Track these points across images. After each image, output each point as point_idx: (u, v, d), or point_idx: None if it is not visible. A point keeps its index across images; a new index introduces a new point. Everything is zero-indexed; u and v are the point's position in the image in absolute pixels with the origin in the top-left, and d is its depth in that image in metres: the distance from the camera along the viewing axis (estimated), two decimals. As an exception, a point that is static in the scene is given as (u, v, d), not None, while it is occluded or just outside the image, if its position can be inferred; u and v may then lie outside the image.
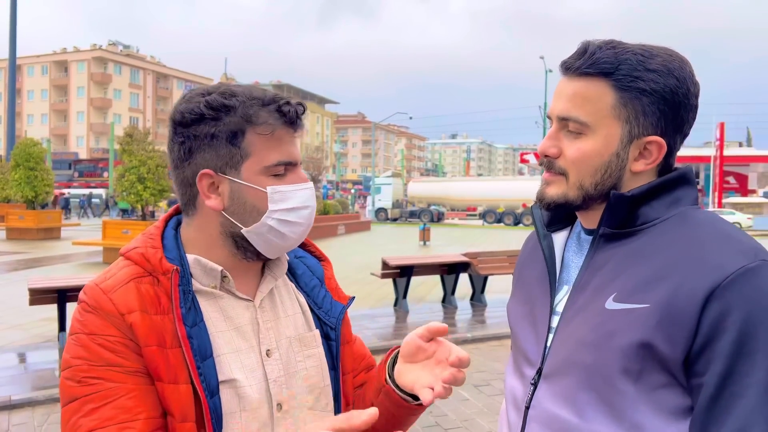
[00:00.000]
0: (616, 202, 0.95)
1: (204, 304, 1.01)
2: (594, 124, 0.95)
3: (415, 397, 1.09)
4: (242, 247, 1.03)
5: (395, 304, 8.78)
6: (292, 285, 1.16)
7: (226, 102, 0.98)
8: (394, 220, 40.08)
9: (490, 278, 9.27)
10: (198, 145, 0.99)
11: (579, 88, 0.95)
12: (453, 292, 9.03)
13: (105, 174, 51.97)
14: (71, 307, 6.27)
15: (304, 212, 1.03)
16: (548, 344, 1.01)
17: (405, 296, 8.68)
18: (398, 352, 1.12)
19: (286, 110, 1.00)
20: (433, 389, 1.00)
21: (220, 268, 1.02)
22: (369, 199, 44.49)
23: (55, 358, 6.09)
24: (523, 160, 47.95)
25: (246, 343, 1.03)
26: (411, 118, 57.57)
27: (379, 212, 40.51)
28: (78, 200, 40.95)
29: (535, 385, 1.01)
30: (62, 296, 6.29)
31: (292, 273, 1.17)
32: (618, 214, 0.95)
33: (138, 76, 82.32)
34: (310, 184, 1.06)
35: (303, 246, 1.24)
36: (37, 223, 19.92)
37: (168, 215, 1.10)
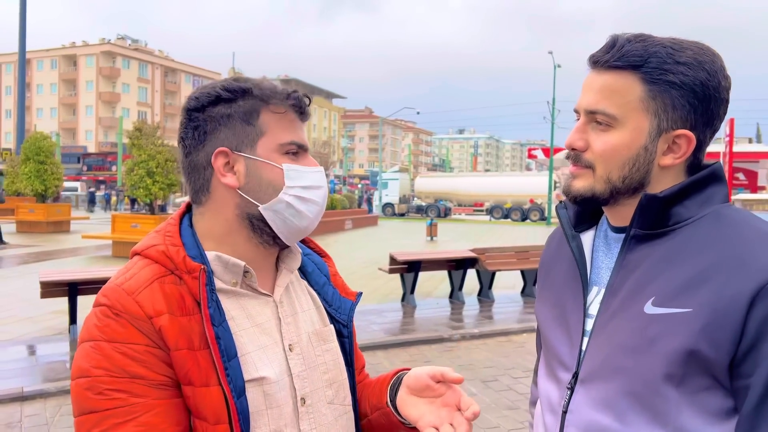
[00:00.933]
0: (648, 203, 0.94)
1: (225, 302, 0.99)
2: (622, 116, 0.94)
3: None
4: (258, 228, 1.02)
5: (402, 300, 8.80)
6: (304, 282, 1.16)
7: (242, 85, 1.01)
8: (401, 215, 40.05)
9: (497, 274, 9.27)
10: (213, 127, 1.00)
11: (607, 80, 0.95)
12: (460, 288, 9.04)
13: (113, 168, 52.14)
14: (82, 300, 6.33)
15: (318, 192, 1.05)
16: (583, 348, 1.00)
17: (412, 291, 8.70)
18: (400, 377, 1.13)
19: (295, 97, 1.04)
20: (437, 430, 1.01)
21: (242, 263, 1.01)
22: (376, 194, 44.50)
23: (66, 350, 6.15)
24: (530, 156, 47.64)
25: (269, 339, 1.02)
26: (418, 113, 57.50)
27: (386, 207, 40.51)
28: (103, 194, 41.52)
29: (571, 389, 1.00)
30: (73, 289, 6.35)
31: (303, 271, 1.18)
32: (650, 215, 0.94)
33: (146, 71, 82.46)
34: (321, 168, 1.08)
35: (305, 243, 1.25)
36: (46, 217, 20.07)
37: (181, 212, 1.08)
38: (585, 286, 1.03)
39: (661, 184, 0.98)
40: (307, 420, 1.04)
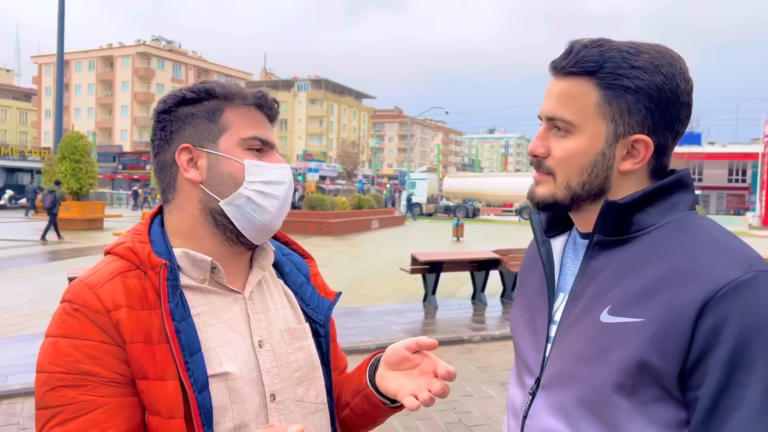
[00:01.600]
0: (609, 210, 0.93)
1: (192, 299, 1.01)
2: (579, 123, 0.94)
3: (392, 400, 1.11)
4: (222, 225, 1.04)
5: (424, 300, 8.78)
6: (281, 281, 1.17)
7: (206, 86, 1.05)
8: (429, 215, 39.94)
9: (521, 275, 9.16)
10: (178, 126, 1.04)
11: (565, 87, 0.95)
12: (483, 289, 8.98)
13: (147, 167, 53.30)
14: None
15: (280, 187, 1.06)
16: (547, 354, 1.00)
17: (434, 292, 8.67)
18: (379, 358, 1.14)
19: (261, 96, 1.07)
20: (416, 397, 1.02)
21: (209, 258, 1.03)
22: (403, 194, 44.48)
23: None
24: (561, 156, 46.97)
25: (236, 334, 1.03)
26: (447, 113, 57.33)
27: (414, 207, 40.47)
28: (143, 193, 42.98)
29: (533, 394, 1.01)
30: (99, 285, 6.50)
31: (280, 271, 1.19)
32: (611, 222, 0.93)
33: (180, 71, 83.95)
34: (287, 164, 1.09)
35: (287, 245, 1.26)
36: (81, 214, 20.63)
37: (153, 213, 1.11)
38: (551, 292, 1.03)
39: (623, 189, 0.96)
40: (277, 416, 1.04)
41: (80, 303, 0.94)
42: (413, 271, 8.61)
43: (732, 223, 28.49)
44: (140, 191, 41.84)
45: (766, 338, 0.79)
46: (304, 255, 1.27)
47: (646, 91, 0.91)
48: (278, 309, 1.12)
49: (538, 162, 0.99)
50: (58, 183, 19.48)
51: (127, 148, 70.20)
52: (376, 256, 14.90)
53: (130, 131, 79.14)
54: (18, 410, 4.66)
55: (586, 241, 1.01)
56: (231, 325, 1.04)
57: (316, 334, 1.16)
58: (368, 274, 11.70)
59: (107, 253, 1.05)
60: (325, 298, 1.20)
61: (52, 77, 76.63)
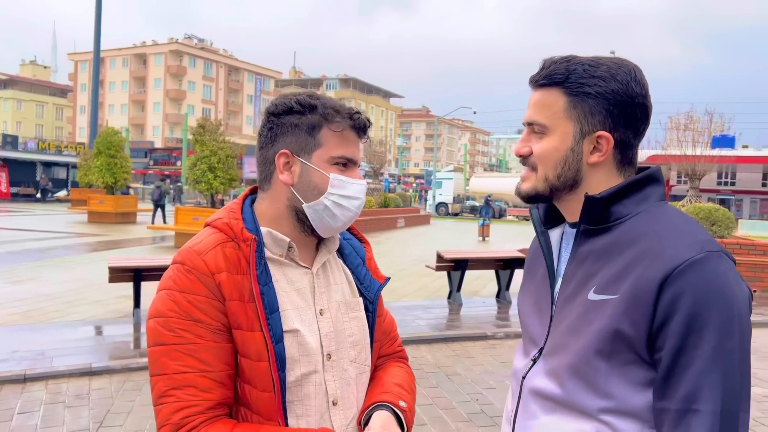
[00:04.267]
0: (589, 203, 1.10)
1: (272, 269, 1.22)
2: (551, 125, 1.12)
3: None
4: (301, 220, 1.24)
5: (449, 297, 8.93)
6: (341, 261, 1.37)
7: (311, 101, 1.23)
8: (455, 215, 39.93)
9: (545, 275, 9.21)
10: (282, 131, 1.22)
11: (539, 97, 1.14)
12: (507, 288, 9.08)
13: (178, 163, 54.16)
14: (146, 286, 6.77)
15: (355, 201, 1.26)
16: (550, 329, 1.17)
17: (459, 290, 8.80)
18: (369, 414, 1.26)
19: (356, 118, 1.25)
20: None
21: (288, 239, 1.23)
22: (429, 193, 44.53)
23: (131, 331, 6.60)
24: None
25: (304, 302, 1.24)
26: (475, 112, 57.10)
27: (440, 207, 40.49)
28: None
29: (534, 361, 1.18)
30: (138, 275, 6.81)
31: (340, 252, 1.39)
32: (592, 213, 1.10)
33: (211, 69, 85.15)
34: (364, 182, 1.28)
35: (349, 230, 1.45)
36: (115, 208, 21.22)
37: (244, 194, 1.32)
38: (552, 276, 1.20)
39: (595, 180, 1.13)
40: (331, 373, 1.25)
41: (191, 265, 1.16)
42: (438, 268, 8.76)
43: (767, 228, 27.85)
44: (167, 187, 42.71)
45: (713, 307, 0.96)
46: (362, 240, 1.47)
47: (604, 96, 1.09)
48: (338, 284, 1.33)
49: (523, 160, 1.18)
50: (163, 179, 20.93)
51: (158, 144, 71.41)
52: (401, 254, 15.06)
53: (161, 128, 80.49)
54: (64, 390, 4.95)
55: (575, 230, 1.17)
56: (301, 294, 1.25)
57: (365, 309, 1.35)
58: (394, 271, 11.87)
59: (207, 225, 1.26)
60: (377, 280, 1.40)
61: (87, 74, 78.44)
